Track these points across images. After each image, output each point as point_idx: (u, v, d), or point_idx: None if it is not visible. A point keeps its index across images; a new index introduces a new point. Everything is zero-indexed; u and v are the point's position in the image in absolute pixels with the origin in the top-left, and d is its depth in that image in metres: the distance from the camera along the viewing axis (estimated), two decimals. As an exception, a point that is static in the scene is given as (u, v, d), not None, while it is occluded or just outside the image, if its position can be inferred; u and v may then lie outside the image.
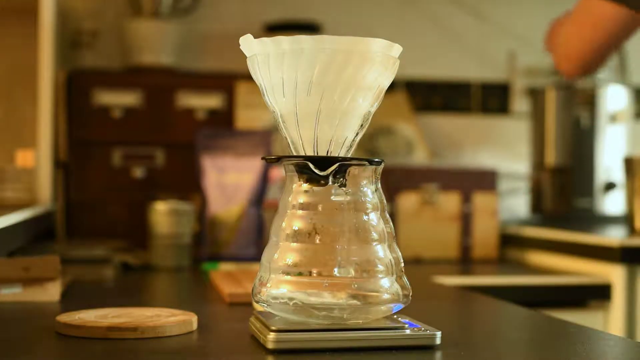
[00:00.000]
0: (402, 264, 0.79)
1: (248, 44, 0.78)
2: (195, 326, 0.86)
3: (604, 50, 1.40)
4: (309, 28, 2.10)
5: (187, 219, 1.54)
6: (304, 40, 0.75)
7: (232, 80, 1.99)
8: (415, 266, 1.82)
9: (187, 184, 1.83)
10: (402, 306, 0.78)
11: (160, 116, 1.95)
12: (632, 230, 1.78)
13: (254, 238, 1.62)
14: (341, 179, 0.77)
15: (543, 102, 2.11)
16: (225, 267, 1.43)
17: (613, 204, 2.04)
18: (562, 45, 1.45)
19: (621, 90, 2.09)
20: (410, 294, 0.79)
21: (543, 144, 2.11)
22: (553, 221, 2.05)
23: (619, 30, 1.35)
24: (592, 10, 1.37)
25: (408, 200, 1.95)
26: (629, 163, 1.84)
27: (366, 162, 0.78)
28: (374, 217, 0.78)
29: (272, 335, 0.75)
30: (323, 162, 0.76)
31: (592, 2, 1.36)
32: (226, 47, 2.16)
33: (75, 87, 1.92)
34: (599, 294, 1.67)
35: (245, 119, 1.97)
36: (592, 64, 1.43)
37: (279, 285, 0.76)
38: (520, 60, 2.37)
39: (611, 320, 1.64)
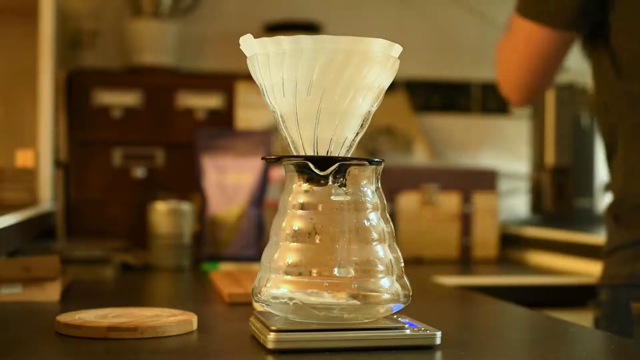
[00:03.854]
0: (402, 264, 0.79)
1: (248, 44, 0.78)
2: (195, 326, 0.86)
3: (544, 74, 1.33)
4: (309, 28, 2.10)
5: (187, 219, 1.54)
6: (304, 40, 0.75)
7: (232, 80, 1.99)
8: (415, 266, 1.82)
9: (187, 184, 1.83)
10: (402, 306, 0.78)
11: (160, 116, 1.95)
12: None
13: (254, 238, 1.62)
14: (341, 179, 0.77)
15: (543, 102, 2.11)
16: (225, 267, 1.43)
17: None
18: (504, 74, 1.39)
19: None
20: (410, 294, 0.79)
21: (543, 144, 2.11)
22: (553, 221, 2.05)
23: (552, 51, 1.28)
24: (522, 34, 1.29)
25: (408, 200, 1.95)
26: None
27: (366, 162, 0.78)
28: (374, 217, 0.78)
29: (272, 335, 0.75)
30: (323, 162, 0.76)
31: (520, 25, 1.28)
32: (226, 47, 2.16)
33: (75, 87, 1.92)
34: (599, 294, 1.67)
35: (245, 119, 1.97)
36: (535, 89, 1.36)
37: (279, 285, 0.76)
38: (520, 60, 2.36)
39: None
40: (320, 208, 0.77)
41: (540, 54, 1.29)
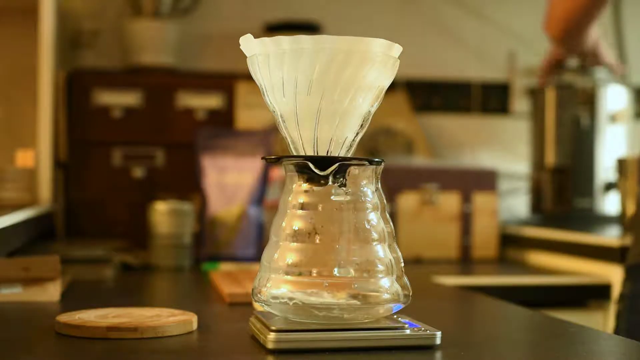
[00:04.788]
0: (402, 264, 0.79)
1: (248, 44, 0.78)
2: (195, 326, 0.86)
3: (585, 16, 1.56)
4: (309, 28, 2.10)
5: (187, 219, 1.54)
6: (304, 40, 0.75)
7: (232, 80, 1.99)
8: (415, 266, 1.82)
9: (187, 184, 1.83)
10: (402, 306, 0.78)
11: (160, 116, 1.95)
12: (626, 231, 1.78)
13: (254, 238, 1.62)
14: (341, 179, 0.77)
15: (543, 102, 2.11)
16: (225, 267, 1.43)
17: (613, 204, 2.04)
18: (550, 9, 1.62)
19: (621, 90, 2.09)
20: (410, 294, 0.79)
21: (543, 144, 2.11)
22: (553, 221, 2.05)
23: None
24: None
25: (408, 200, 1.95)
26: (622, 164, 1.84)
27: (366, 162, 0.78)
28: (374, 217, 0.78)
29: (272, 335, 0.75)
30: (323, 162, 0.76)
31: None
32: (226, 47, 2.16)
33: (75, 87, 1.92)
34: (599, 294, 1.67)
35: (245, 119, 1.97)
36: (573, 29, 1.59)
37: (279, 285, 0.76)
38: (520, 60, 2.37)
39: (611, 320, 1.64)
40: (320, 208, 0.77)
41: None
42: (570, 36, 1.64)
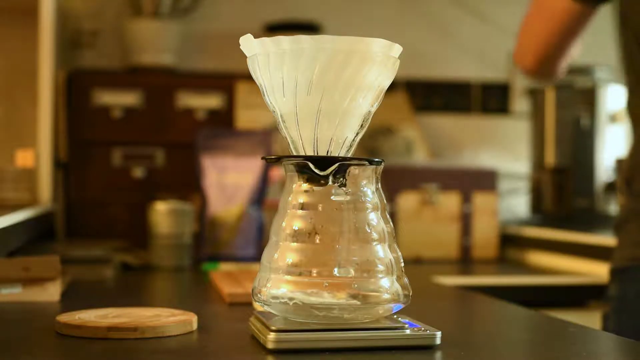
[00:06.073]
0: (402, 264, 0.79)
1: (248, 44, 0.78)
2: (195, 326, 0.86)
3: (559, 45, 1.41)
4: (309, 28, 2.10)
5: (187, 219, 1.54)
6: (304, 40, 0.75)
7: (232, 80, 1.99)
8: (415, 266, 1.82)
9: (187, 184, 1.83)
10: (402, 306, 0.78)
11: (160, 116, 1.95)
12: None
13: (254, 238, 1.62)
14: (341, 179, 0.77)
15: (543, 102, 2.11)
16: (225, 267, 1.43)
17: (613, 204, 2.04)
18: (519, 41, 1.46)
19: (621, 90, 2.09)
20: (410, 294, 0.79)
21: (543, 144, 2.11)
22: (553, 221, 2.05)
23: (572, 24, 1.37)
24: (545, 4, 1.38)
25: (408, 200, 1.95)
26: (620, 163, 1.84)
27: (366, 162, 0.78)
28: (374, 217, 0.78)
29: (272, 335, 0.75)
30: (323, 162, 0.76)
31: None
32: (226, 47, 2.16)
33: (75, 87, 1.92)
34: (599, 294, 1.66)
35: (245, 119, 1.97)
36: (547, 59, 1.43)
37: (279, 285, 0.76)
38: (520, 60, 2.36)
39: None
40: (320, 208, 0.77)
41: (559, 22, 1.37)
42: (547, 64, 1.44)
